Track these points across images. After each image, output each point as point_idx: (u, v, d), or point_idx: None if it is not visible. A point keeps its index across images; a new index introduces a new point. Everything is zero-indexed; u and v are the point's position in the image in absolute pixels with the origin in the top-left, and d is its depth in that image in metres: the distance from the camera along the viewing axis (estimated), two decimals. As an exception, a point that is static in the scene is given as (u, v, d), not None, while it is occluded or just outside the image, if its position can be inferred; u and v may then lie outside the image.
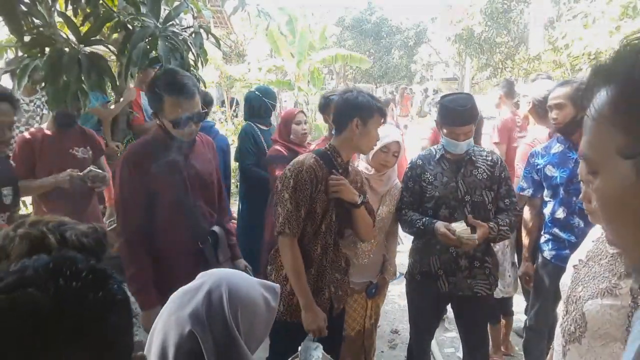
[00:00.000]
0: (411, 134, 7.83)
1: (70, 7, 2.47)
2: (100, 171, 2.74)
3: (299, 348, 1.96)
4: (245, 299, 1.08)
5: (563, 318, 1.25)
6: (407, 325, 2.83)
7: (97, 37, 2.45)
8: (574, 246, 2.38)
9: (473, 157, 2.41)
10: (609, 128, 0.56)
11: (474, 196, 2.37)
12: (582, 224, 2.42)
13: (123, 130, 3.51)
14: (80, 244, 0.82)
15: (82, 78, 2.24)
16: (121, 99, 3.41)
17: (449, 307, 2.70)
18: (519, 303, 3.48)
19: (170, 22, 2.51)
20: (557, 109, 2.47)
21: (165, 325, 1.04)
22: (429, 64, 26.27)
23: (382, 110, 2.14)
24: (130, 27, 2.39)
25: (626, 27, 6.03)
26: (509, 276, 3.10)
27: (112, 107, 3.49)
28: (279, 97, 10.64)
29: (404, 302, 3.06)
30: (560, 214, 2.51)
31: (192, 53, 2.61)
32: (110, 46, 2.63)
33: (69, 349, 0.61)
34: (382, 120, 2.15)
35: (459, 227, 2.23)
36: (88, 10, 2.45)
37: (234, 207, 4.17)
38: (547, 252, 2.59)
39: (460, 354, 3.06)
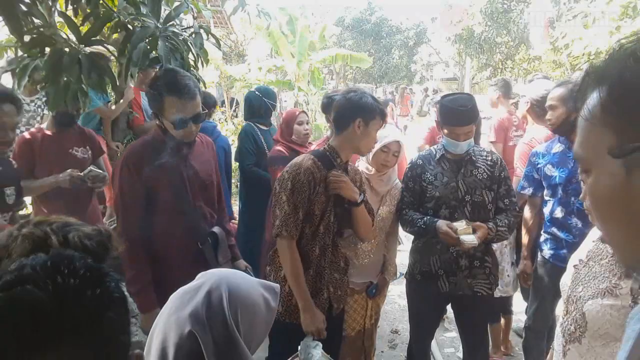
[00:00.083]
0: (411, 133, 7.84)
1: (70, 7, 2.47)
2: (100, 171, 2.75)
3: (299, 347, 1.96)
4: (245, 299, 1.08)
5: (563, 318, 1.25)
6: (407, 325, 2.83)
7: (97, 37, 2.45)
8: (571, 246, 2.41)
9: (473, 157, 2.41)
10: (601, 128, 0.57)
11: (474, 196, 2.37)
12: (580, 224, 2.44)
13: (123, 130, 3.51)
14: (82, 246, 0.82)
15: (82, 78, 2.24)
16: (122, 99, 3.41)
17: (449, 307, 2.70)
18: (519, 303, 3.47)
19: (171, 22, 2.50)
20: (551, 110, 2.55)
21: (165, 325, 1.04)
22: (429, 64, 26.28)
23: (384, 113, 2.16)
24: (131, 27, 2.39)
25: (626, 27, 6.03)
26: (508, 276, 3.10)
27: (113, 107, 3.49)
28: (279, 97, 10.63)
29: (404, 302, 3.06)
30: (559, 213, 2.52)
31: (192, 53, 2.61)
32: (110, 46, 2.63)
33: (68, 345, 0.62)
34: (382, 123, 2.16)
35: (461, 226, 2.24)
36: (88, 11, 2.45)
37: (235, 207, 4.17)
38: (546, 251, 2.61)
39: (460, 354, 3.06)
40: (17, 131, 3.02)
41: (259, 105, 3.77)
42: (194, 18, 3.94)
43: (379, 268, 2.62)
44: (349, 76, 22.84)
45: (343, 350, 2.47)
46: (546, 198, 2.62)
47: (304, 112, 3.46)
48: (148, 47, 2.34)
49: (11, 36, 2.43)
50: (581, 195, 0.71)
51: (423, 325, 2.65)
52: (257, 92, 3.84)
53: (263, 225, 3.22)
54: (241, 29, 15.28)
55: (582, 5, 7.29)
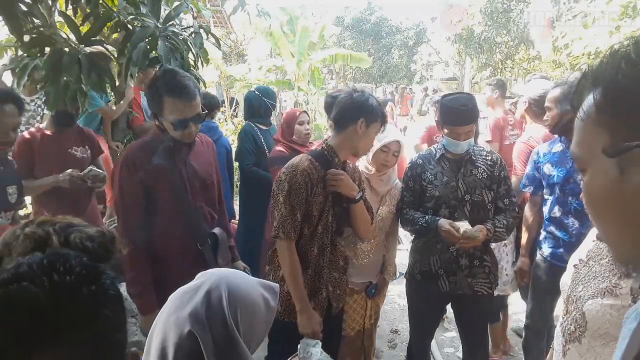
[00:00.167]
0: (411, 133, 7.84)
1: (70, 7, 2.47)
2: (100, 171, 2.75)
3: (299, 347, 1.96)
4: (245, 299, 1.08)
5: (563, 318, 1.25)
6: (407, 325, 2.83)
7: (98, 38, 2.45)
8: (568, 245, 2.42)
9: (473, 157, 2.42)
10: (596, 129, 0.59)
11: (474, 196, 2.37)
12: (577, 224, 2.46)
13: (123, 130, 3.51)
14: (83, 247, 0.82)
15: (82, 78, 2.23)
16: (122, 99, 3.41)
17: (449, 307, 2.70)
18: (519, 303, 3.47)
19: (171, 23, 2.50)
20: (547, 112, 2.62)
21: (165, 325, 1.04)
22: (429, 64, 26.29)
23: (385, 119, 2.17)
24: (131, 28, 2.38)
25: (626, 27, 6.04)
26: (507, 275, 3.11)
27: (114, 107, 3.49)
28: (279, 97, 10.62)
29: (404, 302, 3.06)
30: (557, 213, 2.54)
31: (193, 53, 2.61)
32: (110, 46, 2.63)
33: (65, 342, 0.62)
34: (382, 128, 2.17)
35: (464, 226, 2.25)
36: (88, 11, 2.45)
37: (237, 206, 4.17)
38: (545, 250, 2.62)
39: (460, 354, 3.06)
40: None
41: (259, 105, 3.77)
42: (194, 18, 3.93)
43: (379, 268, 2.62)
44: (349, 76, 22.84)
45: (343, 350, 2.47)
46: (545, 197, 2.63)
47: (305, 112, 3.46)
48: (148, 47, 2.34)
49: (11, 36, 2.43)
50: (581, 195, 0.71)
51: (423, 325, 2.65)
52: (257, 92, 3.84)
53: (263, 225, 3.22)
54: (241, 29, 15.28)
55: (582, 5, 7.29)
